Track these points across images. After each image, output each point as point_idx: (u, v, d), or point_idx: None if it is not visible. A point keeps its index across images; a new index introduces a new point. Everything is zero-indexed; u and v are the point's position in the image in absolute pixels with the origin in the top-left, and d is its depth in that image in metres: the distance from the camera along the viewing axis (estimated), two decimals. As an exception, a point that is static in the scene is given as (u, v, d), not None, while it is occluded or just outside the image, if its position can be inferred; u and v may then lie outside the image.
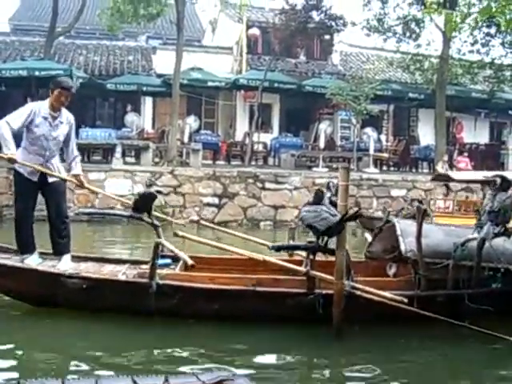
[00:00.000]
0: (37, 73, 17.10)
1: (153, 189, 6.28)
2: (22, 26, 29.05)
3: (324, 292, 5.63)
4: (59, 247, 6.30)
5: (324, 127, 19.33)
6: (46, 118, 6.11)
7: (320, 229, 5.49)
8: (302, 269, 5.77)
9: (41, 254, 6.37)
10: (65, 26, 21.89)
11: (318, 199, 5.77)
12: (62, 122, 6.22)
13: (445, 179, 13.31)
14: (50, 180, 6.21)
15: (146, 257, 6.91)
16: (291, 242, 6.68)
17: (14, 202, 6.44)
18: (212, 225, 8.54)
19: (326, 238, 5.63)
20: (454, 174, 13.04)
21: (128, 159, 16.91)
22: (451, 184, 13.79)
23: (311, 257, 5.78)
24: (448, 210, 13.20)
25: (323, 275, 5.64)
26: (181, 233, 5.83)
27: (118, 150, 15.43)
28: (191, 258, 5.76)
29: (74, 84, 6.30)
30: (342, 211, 5.46)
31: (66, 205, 6.54)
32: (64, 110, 6.25)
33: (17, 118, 6.03)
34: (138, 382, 2.77)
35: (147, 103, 22.62)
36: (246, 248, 8.18)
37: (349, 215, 5.46)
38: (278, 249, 6.10)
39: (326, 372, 5.06)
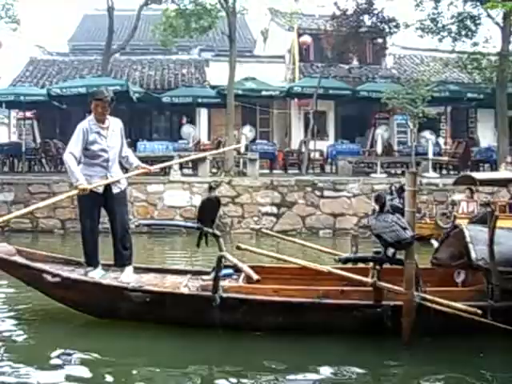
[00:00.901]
0: (95, 89, 17.40)
1: (214, 193, 6.27)
2: (80, 45, 30.10)
3: (392, 303, 5.49)
4: (122, 259, 6.37)
5: (381, 132, 19.04)
6: (98, 133, 6.26)
7: (389, 241, 5.37)
8: (368, 280, 5.63)
9: (103, 265, 6.44)
10: (120, 43, 22.43)
11: (381, 205, 5.64)
12: (113, 131, 6.35)
13: (468, 182, 12.91)
14: (115, 191, 6.30)
15: (206, 267, 6.92)
16: (358, 254, 6.52)
17: (80, 218, 6.55)
18: (274, 233, 8.44)
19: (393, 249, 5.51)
20: (476, 175, 12.68)
21: (185, 171, 17.03)
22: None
23: (378, 267, 5.64)
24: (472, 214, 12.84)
25: (391, 286, 5.50)
26: (243, 246, 5.80)
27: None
28: (252, 267, 5.73)
29: (109, 93, 6.38)
30: (409, 218, 5.32)
31: (128, 215, 6.59)
32: (111, 118, 6.39)
33: (76, 145, 6.20)
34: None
35: (202, 115, 22.82)
36: (303, 255, 8.14)
37: (419, 236, 5.31)
38: (346, 261, 5.98)
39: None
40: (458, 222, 11.91)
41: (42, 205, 6.60)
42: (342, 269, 6.00)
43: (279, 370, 4.94)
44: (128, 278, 6.15)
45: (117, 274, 6.33)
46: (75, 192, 6.04)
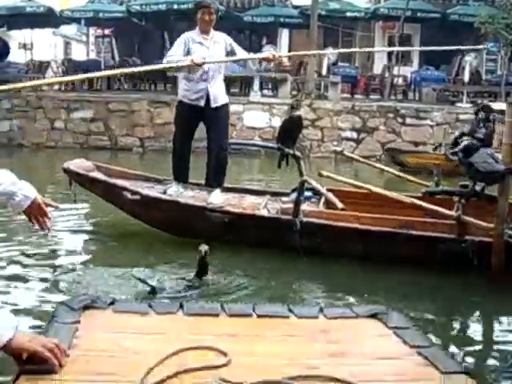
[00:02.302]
0: (175, 6, 17.28)
1: (297, 112, 6.12)
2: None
3: (477, 239, 5.30)
4: (214, 179, 6.35)
5: (469, 60, 18.17)
6: (200, 43, 6.21)
7: (481, 170, 5.12)
8: (453, 213, 5.44)
9: (193, 184, 6.45)
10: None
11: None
12: (217, 42, 6.28)
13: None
14: (213, 105, 6.23)
15: (284, 189, 6.85)
16: (445, 187, 6.29)
17: (175, 131, 6.56)
18: (356, 156, 8.23)
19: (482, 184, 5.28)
20: (494, 105, 12.02)
21: (265, 92, 16.84)
22: None
23: (463, 201, 5.43)
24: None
25: (477, 221, 5.30)
26: (325, 173, 5.68)
27: (256, 82, 15.39)
28: (332, 191, 5.63)
29: (215, 3, 6.27)
30: (505, 152, 5.06)
31: (227, 136, 6.50)
32: (217, 32, 6.32)
33: (175, 52, 6.16)
34: (294, 310, 2.73)
35: (283, 35, 22.37)
36: (385, 182, 7.95)
37: None
38: (432, 193, 5.79)
39: (475, 319, 4.86)
40: None
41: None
42: (424, 200, 5.83)
43: (359, 295, 4.88)
44: (216, 199, 6.13)
45: (195, 193, 6.34)
46: (187, 63, 5.98)
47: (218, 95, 6.28)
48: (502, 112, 12.73)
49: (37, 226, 2.48)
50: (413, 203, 5.73)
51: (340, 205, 5.14)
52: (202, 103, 6.22)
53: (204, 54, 6.17)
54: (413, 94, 19.18)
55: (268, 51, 6.41)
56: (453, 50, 20.70)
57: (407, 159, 11.76)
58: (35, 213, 2.43)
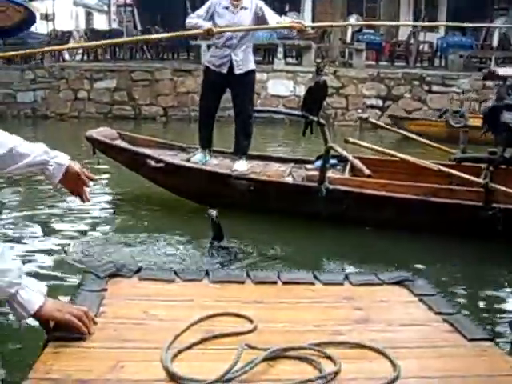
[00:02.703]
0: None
1: (322, 77, 6.03)
2: None
3: (504, 206, 5.22)
4: (239, 147, 6.32)
5: (498, 24, 17.79)
6: (227, 8, 6.11)
7: None
8: (480, 180, 5.37)
9: (217, 152, 6.43)
10: None
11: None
12: (245, 8, 6.14)
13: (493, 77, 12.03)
14: (237, 72, 6.15)
15: (309, 157, 6.81)
16: (473, 154, 6.20)
17: (200, 98, 6.54)
18: (381, 123, 8.14)
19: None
20: (500, 71, 11.82)
21: (289, 60, 16.68)
22: None
23: (491, 168, 5.35)
24: None
25: (505, 189, 5.23)
26: (352, 139, 5.62)
27: (280, 50, 15.24)
28: (358, 159, 5.57)
29: None
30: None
31: (252, 102, 6.42)
32: None
33: (199, 11, 6.12)
34: (319, 277, 2.73)
35: (307, 2, 22.07)
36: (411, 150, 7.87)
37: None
38: (461, 160, 5.71)
39: (500, 286, 4.81)
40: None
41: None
42: (450, 167, 5.76)
43: (384, 261, 4.85)
44: (241, 166, 6.11)
45: (219, 160, 6.32)
46: (201, 31, 6.00)
47: (243, 62, 6.18)
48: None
49: (77, 198, 2.41)
50: (440, 170, 5.66)
51: (367, 171, 5.09)
52: (225, 70, 6.16)
53: (229, 20, 6.08)
54: (439, 60, 18.84)
55: (291, 19, 6.22)
56: (481, 14, 20.38)
57: (409, 126, 11.66)
58: (72, 182, 2.34)
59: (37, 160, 2.23)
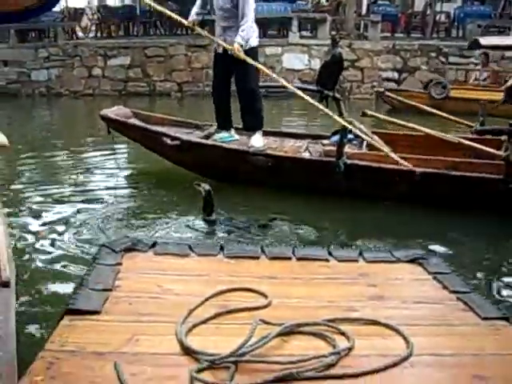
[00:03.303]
0: None
1: (338, 50, 5.94)
2: None
3: None
4: (247, 124, 6.28)
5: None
6: None
7: None
8: (501, 153, 5.31)
9: (235, 129, 6.39)
10: None
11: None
12: None
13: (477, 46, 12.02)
14: (230, 52, 6.09)
15: (324, 132, 6.76)
16: (495, 126, 6.11)
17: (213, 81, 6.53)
18: (397, 96, 8.05)
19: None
20: (482, 40, 11.80)
21: (304, 33, 16.51)
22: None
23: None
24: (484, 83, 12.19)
25: None
26: (370, 112, 5.55)
27: (295, 23, 15.06)
28: (376, 133, 5.52)
29: None
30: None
31: (253, 78, 6.34)
32: None
33: (196, 4, 6.13)
34: (334, 253, 2.76)
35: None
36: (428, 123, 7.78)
37: None
38: (482, 132, 5.63)
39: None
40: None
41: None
42: (469, 140, 5.70)
43: (402, 237, 4.82)
44: (257, 142, 6.08)
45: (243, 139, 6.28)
46: (185, 22, 6.10)
47: (229, 42, 6.12)
48: (492, 47, 12.71)
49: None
50: (460, 143, 5.59)
51: (386, 149, 5.02)
52: (221, 50, 6.13)
53: (218, 2, 6.08)
54: (456, 31, 18.55)
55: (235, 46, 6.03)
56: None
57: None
58: None
59: None
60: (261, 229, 4.78)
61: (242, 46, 5.88)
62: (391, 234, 4.86)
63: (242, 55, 5.81)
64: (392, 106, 11.04)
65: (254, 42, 6.13)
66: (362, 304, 2.21)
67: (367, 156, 5.66)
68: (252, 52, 6.10)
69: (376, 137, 5.39)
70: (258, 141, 6.08)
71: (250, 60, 5.77)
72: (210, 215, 4.78)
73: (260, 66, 6.08)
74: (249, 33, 5.98)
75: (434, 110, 7.04)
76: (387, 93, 7.68)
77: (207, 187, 4.72)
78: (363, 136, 5.39)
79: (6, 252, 2.50)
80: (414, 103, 7.66)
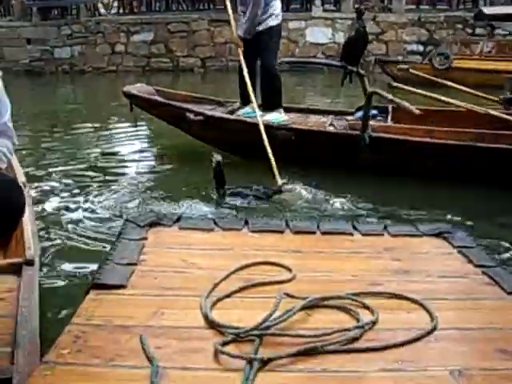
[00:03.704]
0: None
1: (362, 24, 5.86)
2: None
3: None
4: (264, 100, 6.26)
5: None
6: None
7: None
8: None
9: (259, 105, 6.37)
10: None
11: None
12: None
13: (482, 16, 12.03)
14: (248, 37, 6.09)
15: (349, 108, 6.69)
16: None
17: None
18: (422, 74, 7.91)
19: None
20: (485, 10, 11.56)
21: (327, 6, 16.32)
22: None
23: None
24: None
25: None
26: (395, 83, 5.46)
27: (318, -4, 14.93)
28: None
29: None
30: None
31: (271, 55, 6.30)
32: None
33: None
34: (359, 227, 2.75)
35: None
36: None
37: None
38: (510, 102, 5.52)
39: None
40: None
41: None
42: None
43: (426, 211, 4.78)
44: (273, 117, 6.05)
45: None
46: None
47: (249, 30, 6.09)
48: (494, 16, 12.52)
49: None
50: (488, 113, 5.49)
51: (417, 111, 4.92)
52: (241, 33, 6.15)
53: None
54: (483, 1, 18.21)
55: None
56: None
57: (394, 70, 11.53)
58: None
59: None
60: (272, 196, 4.76)
61: (241, 37, 6.00)
62: (416, 208, 4.81)
63: (240, 49, 5.95)
64: (393, 76, 11.05)
65: (273, 21, 6.11)
66: (386, 278, 2.21)
67: (393, 129, 5.59)
68: (271, 31, 6.10)
69: (404, 101, 5.28)
70: (274, 117, 6.06)
71: (241, 57, 5.87)
72: (222, 186, 4.77)
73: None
74: (254, 21, 5.98)
75: (455, 85, 6.94)
76: (411, 71, 7.54)
77: (218, 158, 4.70)
78: (395, 99, 5.26)
79: (30, 229, 2.53)
80: (438, 79, 7.49)
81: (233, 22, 6.13)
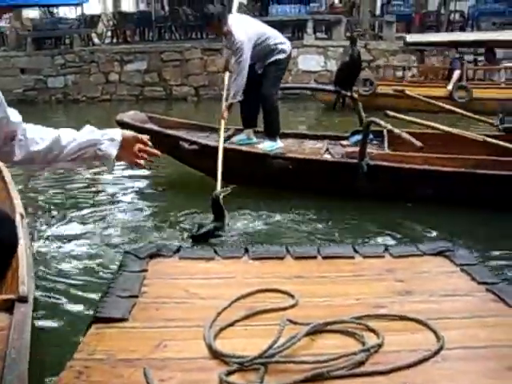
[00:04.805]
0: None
1: (356, 49, 5.91)
2: None
3: None
4: (265, 128, 6.29)
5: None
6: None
7: None
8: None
9: (257, 132, 6.38)
10: None
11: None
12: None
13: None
14: (259, 72, 6.19)
15: (343, 133, 6.72)
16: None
17: None
18: (419, 96, 7.93)
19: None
20: (408, 38, 12.00)
21: (319, 35, 16.50)
22: None
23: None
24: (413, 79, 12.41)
25: None
26: (391, 113, 5.46)
27: (310, 25, 15.08)
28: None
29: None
30: None
31: (273, 86, 6.33)
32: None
33: None
34: (360, 250, 2.74)
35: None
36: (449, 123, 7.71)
37: None
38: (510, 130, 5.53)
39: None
40: None
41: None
42: (493, 138, 5.60)
43: (428, 235, 4.78)
44: (267, 145, 6.07)
45: (258, 140, 6.26)
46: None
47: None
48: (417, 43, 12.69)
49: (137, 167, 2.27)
50: (485, 141, 5.47)
51: (418, 143, 4.92)
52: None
53: None
54: (471, 29, 18.43)
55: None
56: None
57: (323, 97, 11.50)
58: (130, 152, 2.17)
59: (85, 140, 2.13)
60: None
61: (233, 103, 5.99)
62: (416, 234, 4.81)
63: (223, 120, 5.86)
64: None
65: (280, 55, 6.15)
66: (389, 300, 2.19)
67: (391, 156, 5.60)
68: (278, 62, 6.14)
69: (405, 133, 5.29)
70: (269, 145, 6.07)
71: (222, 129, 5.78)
72: (220, 220, 4.72)
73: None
74: (244, 76, 5.96)
75: (451, 107, 6.97)
76: (406, 92, 7.58)
77: (217, 193, 4.68)
78: (395, 130, 5.28)
79: (25, 264, 2.47)
80: (431, 101, 7.51)
81: (224, 98, 6.11)
